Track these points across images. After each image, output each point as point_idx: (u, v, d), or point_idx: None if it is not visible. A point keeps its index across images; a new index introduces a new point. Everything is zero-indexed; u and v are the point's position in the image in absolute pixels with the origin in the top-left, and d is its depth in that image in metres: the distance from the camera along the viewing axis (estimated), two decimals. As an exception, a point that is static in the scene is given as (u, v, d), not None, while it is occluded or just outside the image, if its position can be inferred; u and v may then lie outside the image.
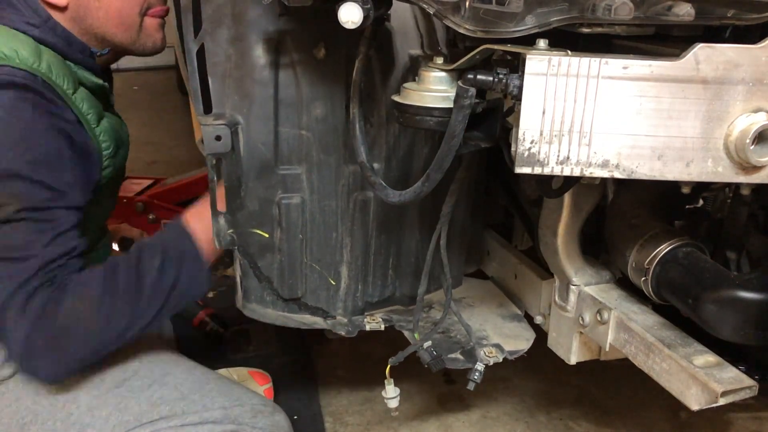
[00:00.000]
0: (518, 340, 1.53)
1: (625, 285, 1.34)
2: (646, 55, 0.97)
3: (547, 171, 0.98)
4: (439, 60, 1.10)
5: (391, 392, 1.49)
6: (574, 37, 1.03)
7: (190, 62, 1.36)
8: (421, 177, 1.13)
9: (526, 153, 0.97)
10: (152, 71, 6.52)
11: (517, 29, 0.97)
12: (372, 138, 1.43)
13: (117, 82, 5.86)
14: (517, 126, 0.96)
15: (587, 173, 0.97)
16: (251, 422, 1.37)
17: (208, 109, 1.37)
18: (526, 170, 0.98)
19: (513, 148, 0.98)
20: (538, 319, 1.52)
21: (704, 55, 0.92)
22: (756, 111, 0.94)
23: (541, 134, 0.96)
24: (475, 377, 1.40)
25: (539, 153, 0.97)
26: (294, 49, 1.35)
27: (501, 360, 1.44)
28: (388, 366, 1.42)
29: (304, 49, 1.36)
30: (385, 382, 1.49)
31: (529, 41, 0.98)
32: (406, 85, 1.12)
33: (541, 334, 1.54)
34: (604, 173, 0.97)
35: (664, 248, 1.19)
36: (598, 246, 1.39)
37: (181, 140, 4.47)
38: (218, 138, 1.33)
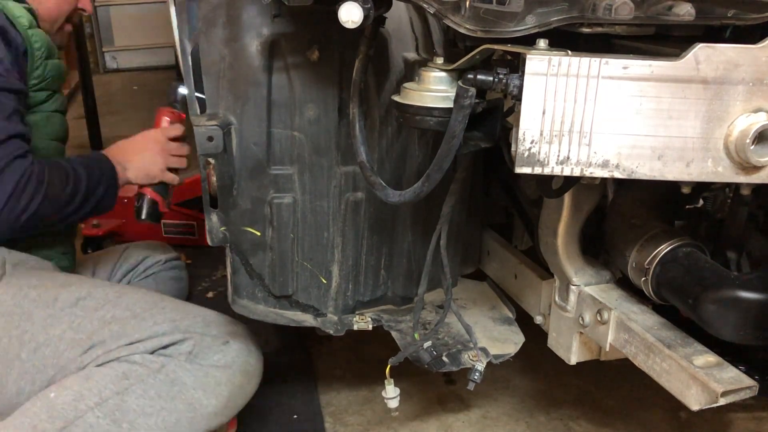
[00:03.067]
0: (506, 344, 1.53)
1: (625, 285, 1.34)
2: (646, 55, 0.97)
3: (547, 171, 0.98)
4: (439, 60, 1.10)
5: (391, 392, 1.49)
6: (574, 37, 1.03)
7: (184, 62, 1.36)
8: (414, 180, 1.13)
9: (526, 153, 0.97)
10: (152, 71, 6.52)
11: (518, 29, 0.97)
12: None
13: (117, 82, 5.86)
14: (517, 126, 0.96)
15: (587, 173, 0.98)
16: (203, 330, 1.39)
17: (202, 108, 1.38)
18: (526, 170, 0.98)
19: (513, 148, 0.98)
20: (538, 319, 1.52)
21: (704, 55, 0.92)
22: (756, 111, 0.94)
23: (541, 134, 0.96)
24: (475, 377, 1.40)
25: (539, 153, 0.97)
26: (288, 52, 1.36)
27: (485, 364, 1.43)
28: (388, 366, 1.42)
29: (297, 52, 1.36)
30: (385, 382, 1.49)
31: (529, 41, 0.98)
32: (406, 85, 1.12)
33: (541, 335, 1.54)
34: (605, 173, 0.97)
35: (664, 248, 1.19)
36: (598, 246, 1.39)
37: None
38: (210, 139, 1.35)
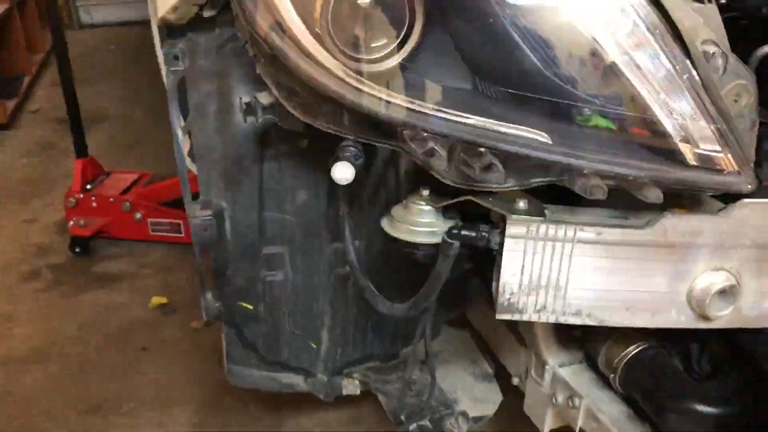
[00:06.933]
0: (485, 405, 1.63)
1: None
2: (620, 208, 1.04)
3: (525, 318, 1.06)
4: (425, 192, 1.16)
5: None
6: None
7: (177, 150, 1.40)
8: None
9: (506, 303, 1.05)
10: (129, 26, 6.32)
11: (499, 186, 1.03)
12: (356, 219, 1.49)
13: (91, 41, 5.65)
14: (498, 279, 1.03)
15: (562, 320, 1.06)
16: None
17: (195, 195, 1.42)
18: (506, 317, 1.06)
19: (495, 297, 1.05)
20: (515, 381, 1.62)
21: (671, 224, 0.99)
22: (717, 270, 1.02)
23: (519, 287, 1.04)
24: None
25: (518, 303, 1.05)
26: (278, 141, 1.40)
27: (465, 430, 1.54)
28: None
29: (288, 140, 1.40)
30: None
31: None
32: (394, 212, 1.18)
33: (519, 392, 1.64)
34: (578, 321, 1.05)
35: (631, 350, 1.28)
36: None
37: (165, 117, 4.42)
38: (205, 229, 1.40)
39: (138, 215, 3.08)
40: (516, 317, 1.05)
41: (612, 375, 1.31)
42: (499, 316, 1.05)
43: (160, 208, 3.08)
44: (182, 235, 3.11)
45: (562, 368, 1.44)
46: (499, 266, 1.03)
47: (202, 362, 2.46)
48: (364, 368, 1.69)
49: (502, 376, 1.74)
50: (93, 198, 3.11)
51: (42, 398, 2.29)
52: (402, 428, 1.54)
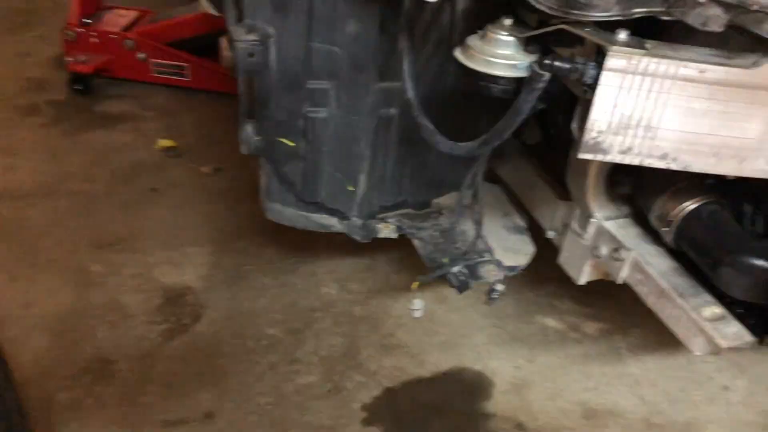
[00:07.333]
0: (518, 255, 1.63)
1: (643, 219, 1.42)
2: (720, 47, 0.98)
3: (608, 158, 1.02)
4: (508, 21, 1.08)
5: (417, 305, 1.60)
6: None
7: None
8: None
9: (592, 141, 1.00)
10: None
11: (600, 15, 0.96)
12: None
13: None
14: (586, 115, 0.98)
15: (646, 163, 1.02)
16: None
17: (238, 16, 1.34)
18: (589, 156, 1.02)
19: (578, 135, 1.01)
20: (550, 234, 1.61)
21: (779, 66, 0.94)
22: (815, 119, 0.98)
23: (609, 126, 0.99)
24: (495, 296, 1.51)
25: (604, 142, 1.01)
26: None
27: (501, 278, 1.54)
28: (416, 284, 1.51)
29: None
30: (411, 296, 1.59)
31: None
32: (470, 42, 1.11)
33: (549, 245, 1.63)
34: (662, 164, 1.02)
35: (689, 204, 1.26)
36: (624, 178, 1.44)
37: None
38: (251, 55, 1.33)
39: (141, 55, 2.94)
40: (598, 157, 1.01)
41: (665, 229, 1.29)
42: (582, 155, 1.01)
43: (165, 49, 2.94)
44: (186, 79, 3.00)
45: (608, 222, 1.42)
46: (589, 102, 0.97)
47: (211, 205, 2.42)
48: (397, 214, 1.67)
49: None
50: (94, 33, 2.95)
51: (51, 231, 2.25)
52: (440, 272, 1.53)
